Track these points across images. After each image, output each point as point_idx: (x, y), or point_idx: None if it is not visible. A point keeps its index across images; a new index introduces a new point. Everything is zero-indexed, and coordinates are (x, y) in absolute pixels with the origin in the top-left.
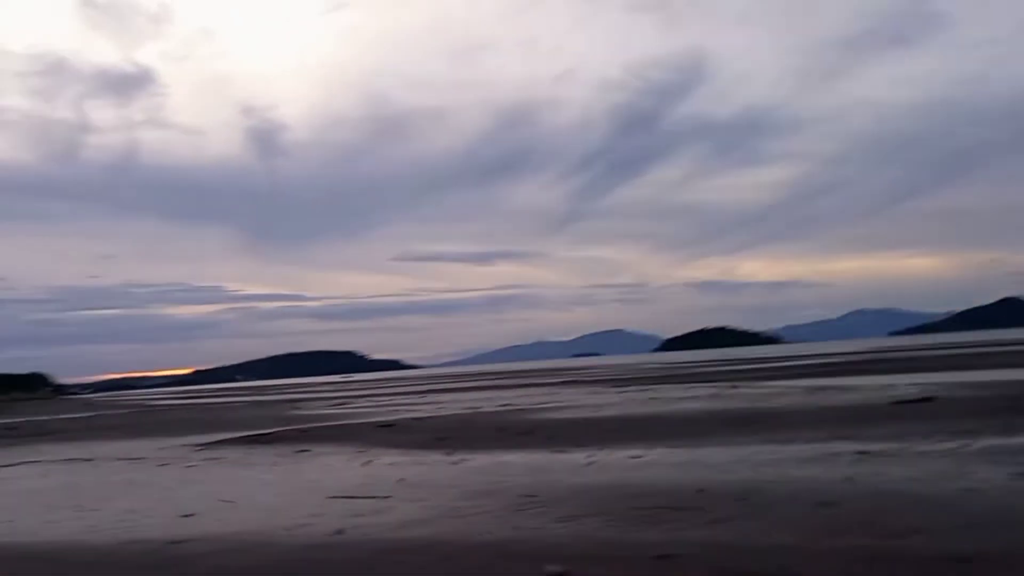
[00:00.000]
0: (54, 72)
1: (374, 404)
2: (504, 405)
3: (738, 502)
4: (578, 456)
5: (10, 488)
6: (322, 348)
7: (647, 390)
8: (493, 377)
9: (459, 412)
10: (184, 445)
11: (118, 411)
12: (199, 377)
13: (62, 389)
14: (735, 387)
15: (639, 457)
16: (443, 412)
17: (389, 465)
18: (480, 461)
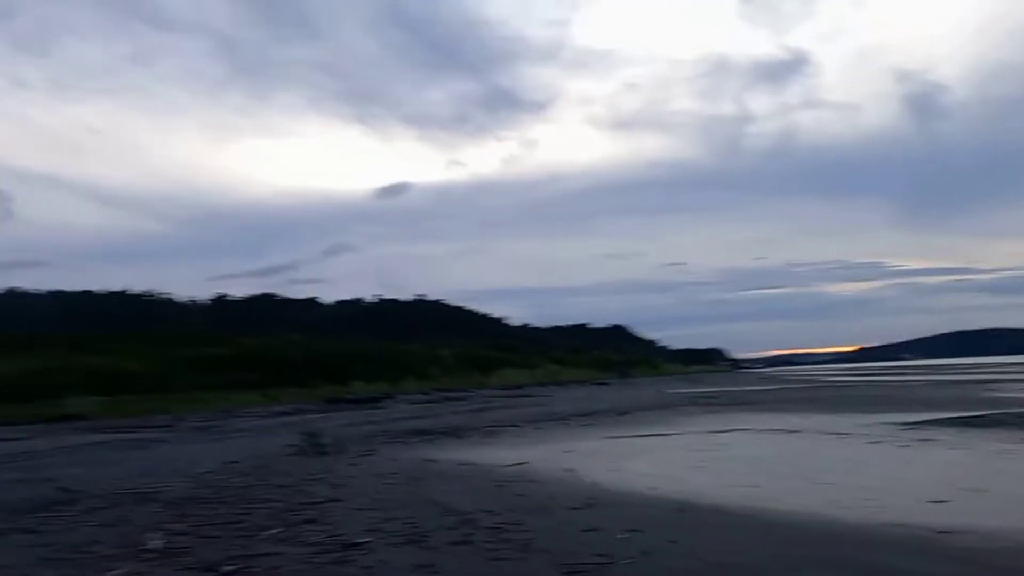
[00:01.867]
0: (717, 71)
1: None
2: None
3: None
4: None
5: (735, 453)
6: (997, 325)
7: None
8: None
9: None
10: (884, 423)
11: (795, 385)
12: (863, 355)
13: (738, 364)
14: None
15: None
16: None
17: None
18: None
